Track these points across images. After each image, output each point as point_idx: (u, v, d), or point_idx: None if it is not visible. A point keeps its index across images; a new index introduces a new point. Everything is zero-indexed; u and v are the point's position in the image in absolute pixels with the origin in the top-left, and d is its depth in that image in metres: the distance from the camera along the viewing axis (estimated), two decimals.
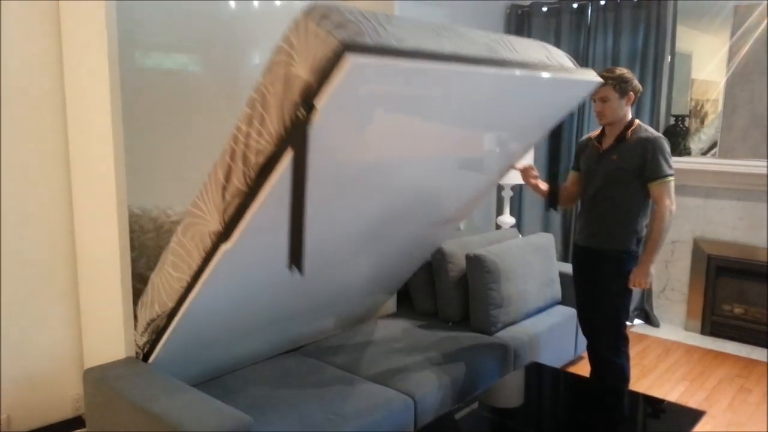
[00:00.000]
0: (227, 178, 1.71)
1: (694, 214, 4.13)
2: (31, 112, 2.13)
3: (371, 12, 1.56)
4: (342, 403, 2.27)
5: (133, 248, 2.20)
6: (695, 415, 2.23)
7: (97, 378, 2.00)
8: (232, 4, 2.62)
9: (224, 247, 1.80)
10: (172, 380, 2.00)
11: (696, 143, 4.27)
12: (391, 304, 3.42)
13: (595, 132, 2.70)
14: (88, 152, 2.14)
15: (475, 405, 2.26)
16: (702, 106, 4.33)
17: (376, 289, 3.04)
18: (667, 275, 4.28)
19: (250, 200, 1.70)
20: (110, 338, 2.16)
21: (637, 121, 2.57)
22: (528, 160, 2.78)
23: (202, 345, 2.25)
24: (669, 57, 4.13)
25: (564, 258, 4.47)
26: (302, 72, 1.47)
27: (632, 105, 2.57)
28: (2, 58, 2.04)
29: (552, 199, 2.76)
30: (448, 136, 2.05)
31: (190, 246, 1.88)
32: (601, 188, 2.59)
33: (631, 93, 2.52)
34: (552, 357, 3.22)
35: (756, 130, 3.87)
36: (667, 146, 2.49)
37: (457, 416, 2.16)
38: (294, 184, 1.52)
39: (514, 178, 3.50)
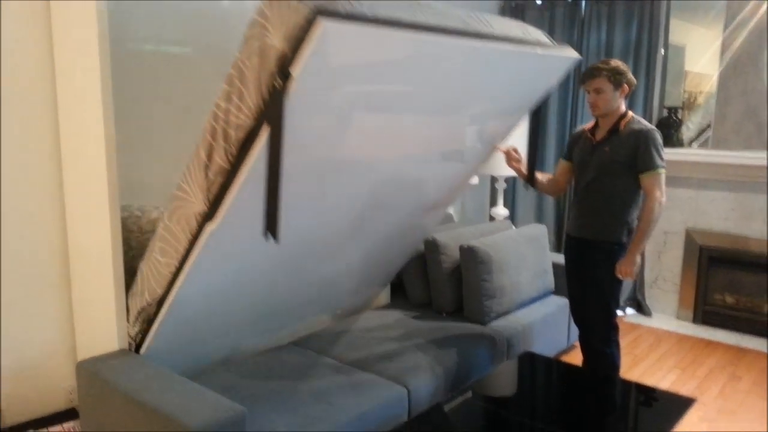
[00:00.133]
0: (209, 156, 1.72)
1: (687, 205, 4.15)
2: (23, 108, 2.12)
3: None
4: (336, 394, 2.28)
5: (131, 248, 2.19)
6: (686, 403, 2.25)
7: (90, 370, 2.00)
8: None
9: (209, 228, 1.80)
10: (166, 372, 2.00)
11: (684, 131, 4.29)
12: (384, 296, 3.43)
13: (589, 124, 2.71)
14: (80, 147, 2.13)
15: (469, 394, 2.28)
16: (695, 98, 4.35)
17: (368, 280, 3.04)
18: (660, 266, 4.31)
19: (232, 177, 1.71)
20: (103, 330, 2.16)
21: (630, 113, 2.58)
22: (519, 146, 2.77)
23: (194, 335, 2.25)
24: (662, 49, 4.14)
25: (557, 249, 4.49)
26: (277, 42, 1.50)
27: (626, 97, 2.57)
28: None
29: (529, 176, 2.75)
30: (426, 114, 2.05)
31: (177, 230, 1.88)
32: (594, 180, 2.60)
33: (625, 85, 2.53)
34: (545, 346, 3.24)
35: (749, 121, 3.89)
36: (659, 138, 2.50)
37: (451, 405, 2.17)
38: (270, 149, 1.55)
39: (507, 170, 3.51)
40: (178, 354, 2.25)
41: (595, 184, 2.61)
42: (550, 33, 4.41)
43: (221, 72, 1.68)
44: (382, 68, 1.71)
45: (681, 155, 4.07)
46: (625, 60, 4.10)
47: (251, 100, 1.59)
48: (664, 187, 2.50)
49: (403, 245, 2.98)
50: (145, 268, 2.02)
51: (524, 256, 3.34)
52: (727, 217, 4.00)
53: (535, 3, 4.53)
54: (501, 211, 4.28)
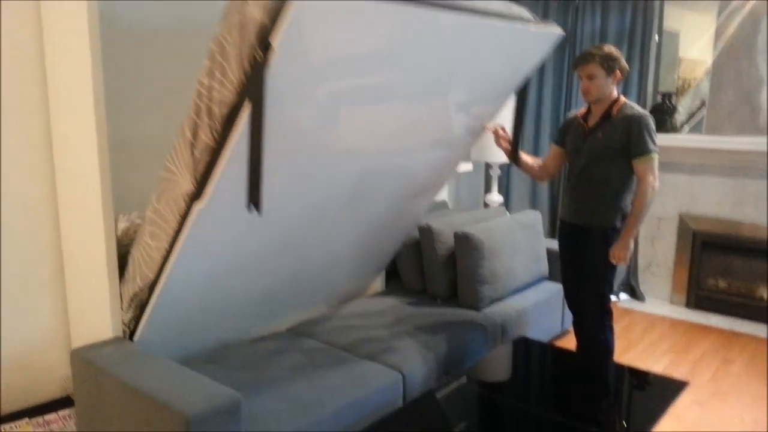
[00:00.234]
0: (194, 134, 1.71)
1: (681, 190, 4.16)
2: (12, 95, 2.10)
3: None
4: (331, 379, 2.29)
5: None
6: (679, 386, 2.27)
7: (85, 358, 2.00)
8: None
9: (197, 206, 1.80)
10: (160, 358, 2.00)
11: (678, 117, 4.30)
12: (379, 283, 3.43)
13: (581, 110, 2.70)
14: (71, 135, 2.11)
15: (464, 379, 2.29)
16: (689, 84, 4.35)
17: (361, 266, 3.04)
18: (653, 251, 4.33)
19: (218, 155, 1.71)
20: (97, 318, 2.16)
21: (622, 98, 2.58)
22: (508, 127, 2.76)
23: (188, 321, 2.25)
24: (656, 36, 4.13)
25: (551, 234, 4.50)
26: (256, 13, 1.50)
27: (618, 83, 2.57)
28: None
29: (513, 154, 2.73)
30: (408, 91, 2.03)
31: (166, 212, 1.87)
32: (587, 166, 2.60)
33: (618, 71, 2.52)
34: (539, 332, 3.26)
35: (742, 107, 3.89)
36: (652, 123, 2.50)
37: (446, 390, 2.18)
38: (252, 121, 1.56)
39: (502, 157, 3.51)
40: (172, 341, 2.25)
41: (588, 170, 2.61)
42: (544, 18, 4.40)
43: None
44: (363, 40, 1.70)
45: (675, 141, 4.08)
46: (619, 46, 4.09)
47: (233, 75, 1.59)
48: (657, 171, 2.50)
49: (394, 231, 2.97)
50: (136, 253, 2.01)
51: (518, 242, 3.35)
52: (720, 202, 4.02)
53: None
54: (495, 197, 4.29)
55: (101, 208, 2.03)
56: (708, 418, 2.78)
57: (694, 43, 4.27)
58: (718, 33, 3.97)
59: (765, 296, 3.95)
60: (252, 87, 1.56)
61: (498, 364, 2.51)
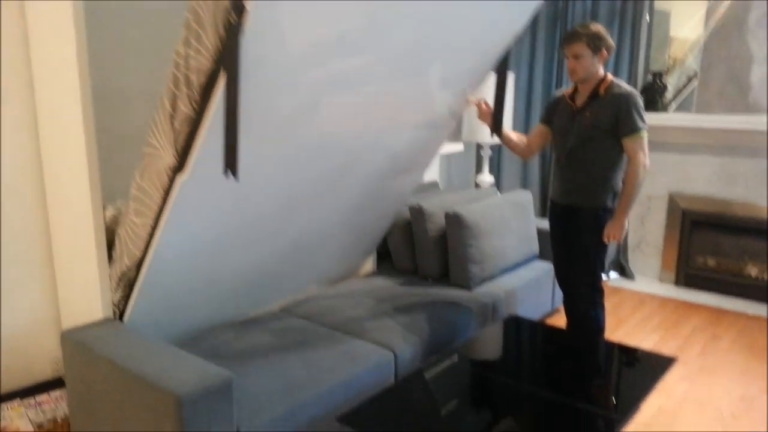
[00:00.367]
0: (173, 105, 1.70)
1: (671, 169, 4.17)
2: None
3: None
4: (323, 358, 2.30)
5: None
6: (667, 362, 2.30)
7: (75, 339, 1.99)
8: None
9: (180, 179, 1.79)
10: (151, 339, 2.00)
11: (668, 96, 4.30)
12: (370, 264, 3.44)
13: (568, 90, 2.69)
14: (56, 114, 2.08)
15: (455, 357, 2.30)
16: (682, 63, 4.34)
17: (351, 247, 3.04)
18: (643, 230, 4.36)
19: (198, 124, 1.70)
20: (87, 299, 2.15)
21: (609, 76, 2.56)
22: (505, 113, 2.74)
23: (178, 301, 2.24)
24: (647, 16, 4.11)
25: (542, 214, 4.51)
26: None
27: (605, 62, 2.55)
28: None
29: (495, 126, 2.70)
30: (386, 55, 1.99)
31: (149, 187, 1.86)
32: (576, 146, 2.59)
33: (605, 50, 2.51)
34: (529, 310, 3.28)
35: (732, 86, 3.90)
36: (640, 101, 2.49)
37: (437, 368, 2.20)
38: (228, 84, 1.54)
39: (492, 137, 3.49)
40: (163, 322, 2.25)
41: (577, 151, 2.60)
42: None
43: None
44: (338, 6, 1.67)
45: (665, 120, 4.08)
46: (610, 26, 4.07)
47: (209, 41, 1.58)
48: (647, 149, 2.50)
49: (380, 210, 2.96)
50: (122, 232, 2.00)
51: (509, 222, 3.36)
52: (710, 181, 4.04)
53: None
54: (486, 178, 4.29)
55: (88, 188, 2.01)
56: (696, 393, 2.82)
57: (685, 22, 4.25)
58: (709, 12, 3.97)
59: (753, 274, 3.99)
60: (227, 51, 1.55)
61: (489, 343, 2.53)
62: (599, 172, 2.58)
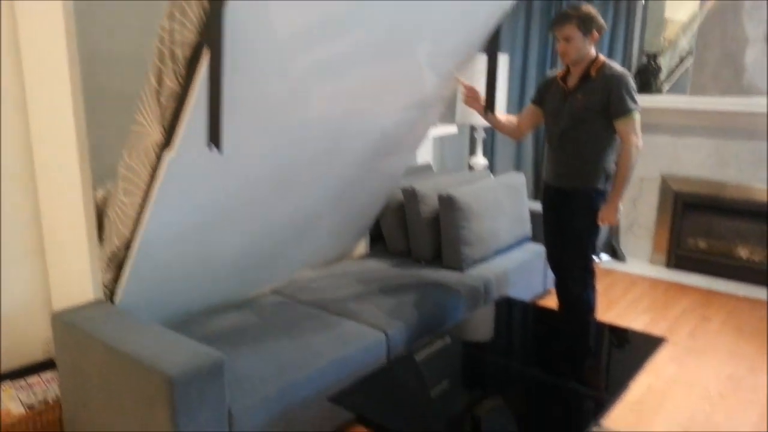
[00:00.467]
0: (159, 81, 1.69)
1: (663, 151, 4.17)
2: None
3: None
4: (315, 339, 2.30)
5: None
6: (657, 342, 2.31)
7: (66, 321, 1.98)
8: None
9: (168, 156, 1.77)
10: (142, 320, 2.00)
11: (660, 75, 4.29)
12: (363, 246, 3.44)
13: (561, 71, 2.67)
14: (45, 91, 2.05)
15: (447, 338, 2.31)
16: (675, 44, 4.32)
17: (342, 227, 3.03)
18: (635, 212, 4.37)
19: (184, 99, 1.68)
20: (77, 280, 2.14)
21: (601, 57, 2.54)
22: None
23: (167, 282, 2.23)
24: None
25: (535, 196, 4.52)
26: None
27: (596, 43, 2.53)
28: None
29: (488, 104, 2.67)
30: (370, 35, 1.97)
31: (137, 165, 1.84)
32: (568, 128, 2.58)
33: (595, 31, 2.48)
34: (521, 292, 3.29)
35: (727, 68, 3.89)
36: (631, 82, 2.48)
37: (430, 349, 2.21)
38: (212, 54, 1.53)
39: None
40: (154, 304, 2.24)
41: (569, 133, 2.59)
42: None
43: None
44: None
45: (658, 102, 4.07)
46: (605, 8, 4.04)
47: (193, 14, 1.56)
48: (639, 131, 2.49)
49: (371, 191, 2.95)
50: (111, 212, 1.99)
51: (502, 204, 3.36)
52: (703, 163, 4.04)
53: None
54: (480, 160, 4.28)
55: (78, 169, 1.99)
56: (685, 373, 2.85)
57: (680, 4, 4.22)
58: None
59: (744, 255, 4.02)
60: (210, 22, 1.53)
61: (481, 324, 2.54)
62: (591, 154, 2.57)
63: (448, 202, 3.09)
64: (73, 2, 1.86)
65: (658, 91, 4.21)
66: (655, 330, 3.28)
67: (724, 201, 4.00)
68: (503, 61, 4.05)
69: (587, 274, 2.74)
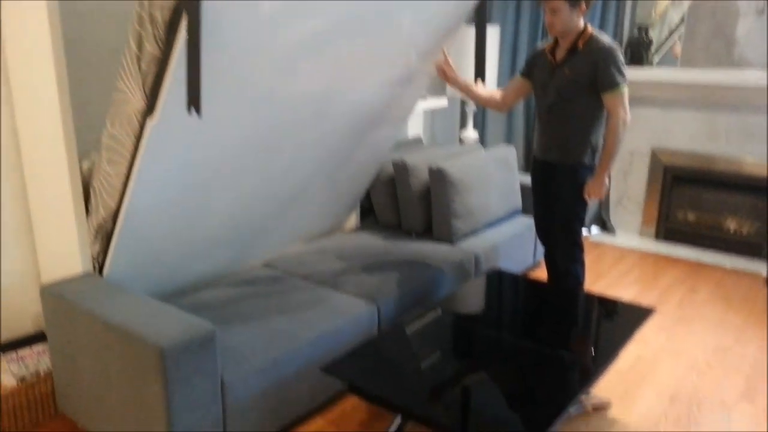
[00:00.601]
0: (139, 46, 1.66)
1: (653, 124, 4.17)
2: None
3: None
4: (306, 312, 2.31)
5: None
6: (645, 313, 2.34)
7: (55, 294, 1.97)
8: None
9: (151, 123, 1.75)
10: (133, 292, 1.99)
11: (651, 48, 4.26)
12: (354, 220, 3.43)
13: (549, 43, 2.63)
14: (29, 73, 2.01)
15: (438, 310, 2.32)
16: (664, 16, 4.28)
17: (332, 200, 3.02)
18: (625, 185, 4.38)
19: (165, 64, 1.66)
20: (65, 253, 2.12)
21: (589, 29, 2.49)
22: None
23: (156, 254, 2.22)
24: None
25: (525, 169, 4.51)
26: None
27: (585, 15, 2.49)
28: None
29: (477, 75, 2.65)
30: (351, 3, 1.93)
31: (121, 134, 1.82)
32: (556, 102, 2.56)
33: (583, 3, 2.44)
34: (512, 264, 3.31)
35: (717, 39, 3.87)
36: (619, 55, 2.44)
37: (421, 321, 2.22)
38: (189, 15, 1.51)
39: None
40: (144, 276, 2.23)
41: (557, 107, 2.57)
42: None
43: None
44: None
45: (648, 75, 4.06)
46: None
47: None
48: (627, 104, 2.47)
49: (359, 163, 2.93)
50: (96, 183, 1.96)
51: (493, 177, 3.35)
52: (693, 136, 4.05)
53: None
54: (471, 133, 4.26)
55: (63, 142, 1.96)
56: (673, 343, 2.89)
57: None
58: None
59: (732, 228, 4.05)
60: None
61: (471, 296, 2.55)
62: (578, 128, 2.56)
63: (438, 175, 3.08)
64: None
65: (649, 63, 4.19)
66: (644, 301, 3.32)
67: (714, 174, 4.02)
68: (494, 32, 4.01)
69: (575, 248, 2.74)
